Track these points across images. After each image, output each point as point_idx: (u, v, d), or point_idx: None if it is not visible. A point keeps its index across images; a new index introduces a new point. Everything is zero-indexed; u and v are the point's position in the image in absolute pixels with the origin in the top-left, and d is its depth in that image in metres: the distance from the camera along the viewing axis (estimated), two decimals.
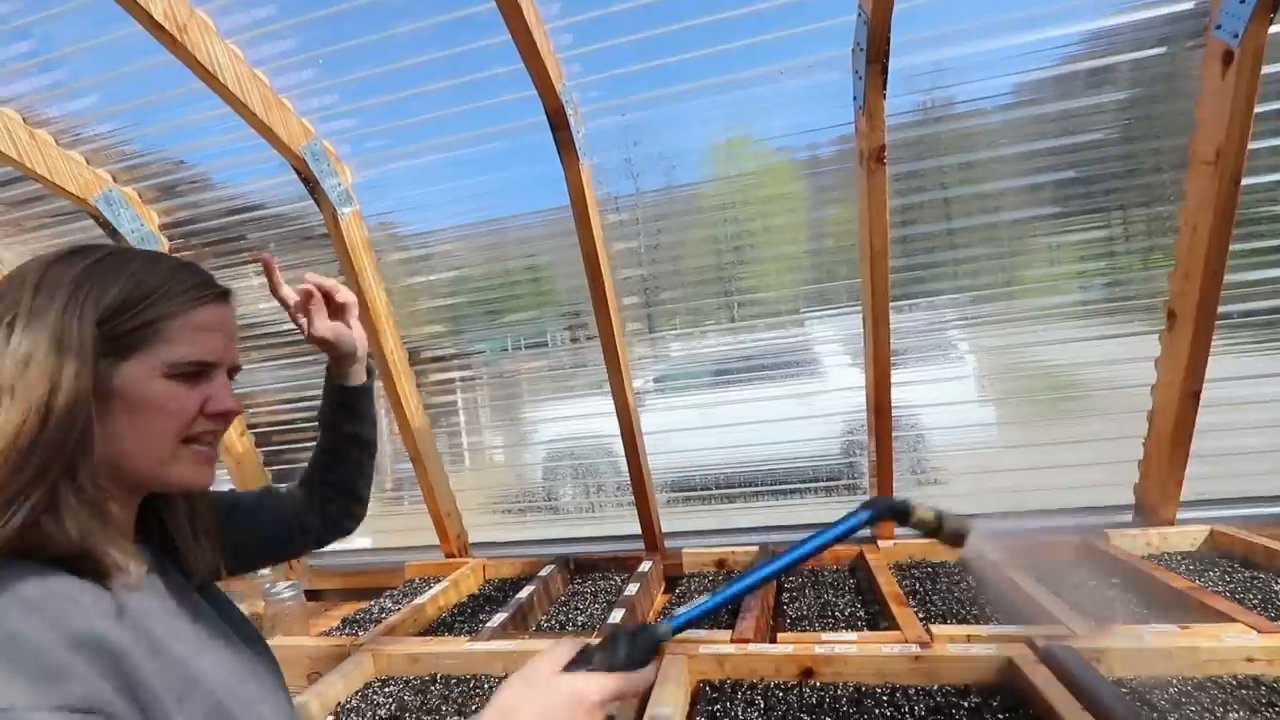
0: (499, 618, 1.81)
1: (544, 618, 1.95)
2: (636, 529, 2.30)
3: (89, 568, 0.61)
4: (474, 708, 1.43)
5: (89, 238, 2.31)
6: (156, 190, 2.13)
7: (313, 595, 2.52)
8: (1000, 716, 1.19)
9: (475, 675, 1.58)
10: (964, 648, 1.37)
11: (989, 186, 1.93)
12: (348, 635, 1.87)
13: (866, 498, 2.22)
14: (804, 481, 2.30)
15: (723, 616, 1.81)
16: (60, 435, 0.60)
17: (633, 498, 2.24)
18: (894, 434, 2.03)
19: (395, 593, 2.25)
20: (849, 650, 1.41)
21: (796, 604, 1.85)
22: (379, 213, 2.14)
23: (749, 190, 2.04)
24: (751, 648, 1.47)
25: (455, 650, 1.63)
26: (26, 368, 0.60)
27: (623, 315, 2.18)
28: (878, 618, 1.69)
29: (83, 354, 0.62)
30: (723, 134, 2.01)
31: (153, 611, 0.66)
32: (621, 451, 2.18)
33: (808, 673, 1.42)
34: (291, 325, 1.04)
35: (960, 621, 1.59)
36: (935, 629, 1.47)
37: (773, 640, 1.54)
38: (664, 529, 2.38)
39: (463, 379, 2.48)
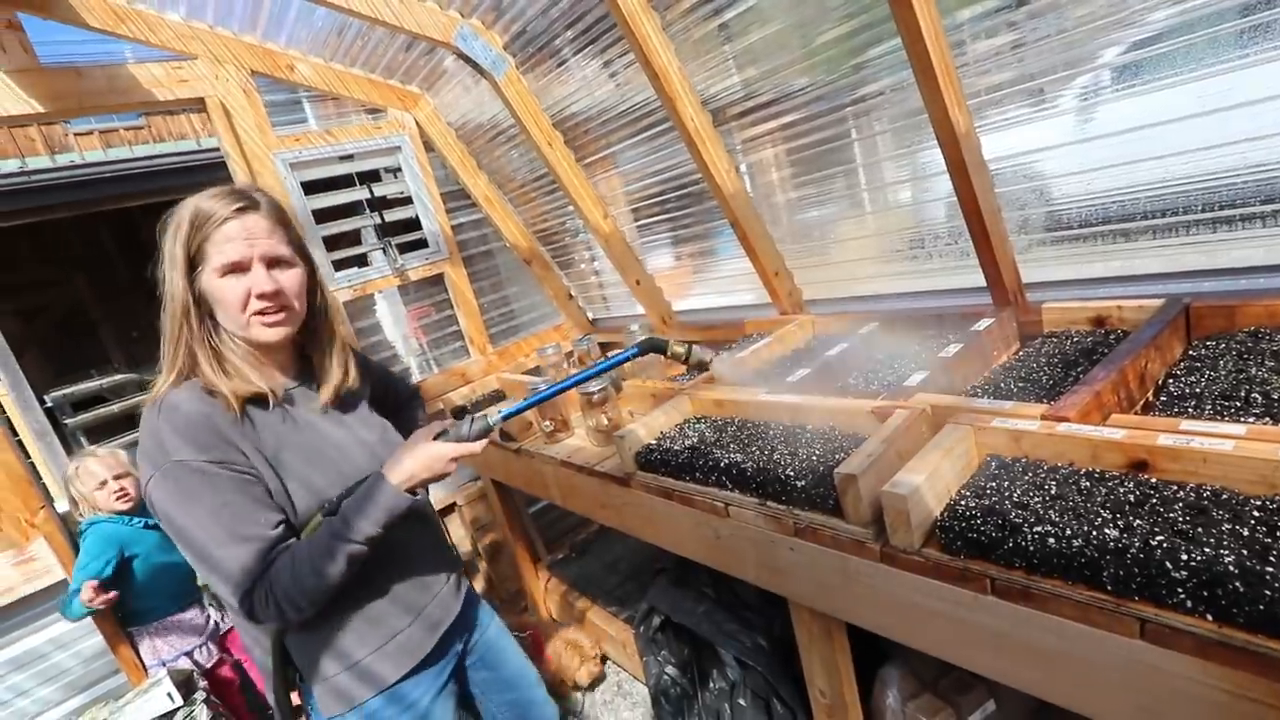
0: (800, 373, 1.86)
1: (851, 379, 1.89)
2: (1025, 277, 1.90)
3: (221, 395, 1.13)
4: (785, 452, 1.57)
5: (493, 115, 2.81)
6: (492, 12, 2.43)
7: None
8: None
9: (765, 422, 1.71)
10: None
11: None
12: (685, 381, 2.21)
13: None
14: (1252, 203, 1.46)
15: (1050, 385, 1.45)
16: (181, 319, 1.11)
17: (974, 242, 1.84)
18: None
19: (734, 345, 2.49)
20: (1218, 446, 0.99)
21: (1193, 377, 1.33)
22: None
23: None
24: (1062, 427, 1.17)
25: (750, 400, 1.77)
26: (169, 281, 1.12)
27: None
28: None
29: (176, 269, 1.10)
30: None
31: (269, 424, 1.18)
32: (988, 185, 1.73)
33: (1140, 465, 1.07)
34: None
35: None
36: None
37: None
38: (1034, 279, 1.92)
39: (781, 127, 2.28)
